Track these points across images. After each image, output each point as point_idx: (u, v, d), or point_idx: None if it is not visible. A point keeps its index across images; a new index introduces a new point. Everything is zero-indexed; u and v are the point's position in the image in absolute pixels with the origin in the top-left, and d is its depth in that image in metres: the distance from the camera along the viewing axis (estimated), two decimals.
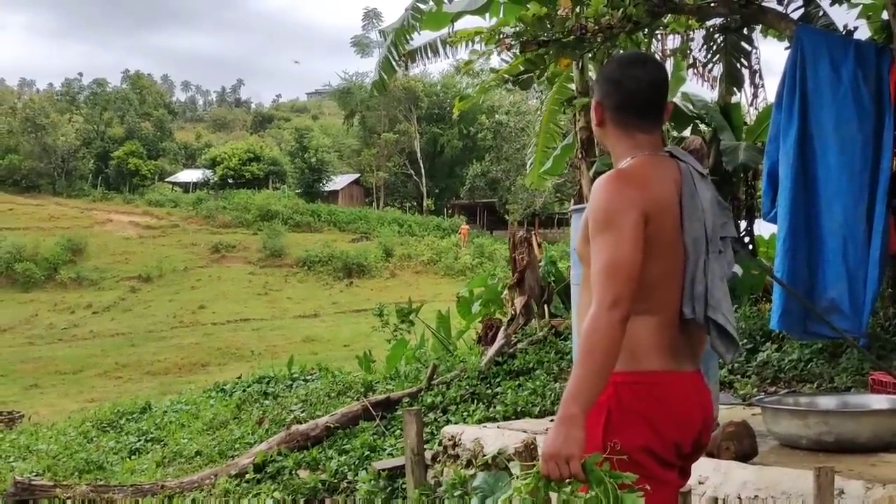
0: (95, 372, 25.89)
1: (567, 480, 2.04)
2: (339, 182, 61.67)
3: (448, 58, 11.67)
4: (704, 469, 3.57)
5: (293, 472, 6.20)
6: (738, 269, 7.22)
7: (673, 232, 2.29)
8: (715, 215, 2.37)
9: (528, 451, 3.67)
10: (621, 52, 7.42)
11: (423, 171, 59.11)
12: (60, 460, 7.98)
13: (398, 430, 6.53)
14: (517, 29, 6.54)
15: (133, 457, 8.11)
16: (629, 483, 2.02)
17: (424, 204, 58.35)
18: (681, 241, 2.30)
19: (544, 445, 2.07)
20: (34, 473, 7.19)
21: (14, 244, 42.06)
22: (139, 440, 8.62)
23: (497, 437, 4.84)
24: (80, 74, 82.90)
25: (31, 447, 8.86)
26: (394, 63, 9.80)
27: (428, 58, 10.67)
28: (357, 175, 63.50)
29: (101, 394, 21.81)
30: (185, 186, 62.76)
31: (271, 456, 6.46)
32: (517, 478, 2.16)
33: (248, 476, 6.30)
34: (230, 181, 58.73)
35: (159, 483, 6.50)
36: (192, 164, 69.27)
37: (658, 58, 9.17)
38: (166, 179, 65.60)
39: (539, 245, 8.89)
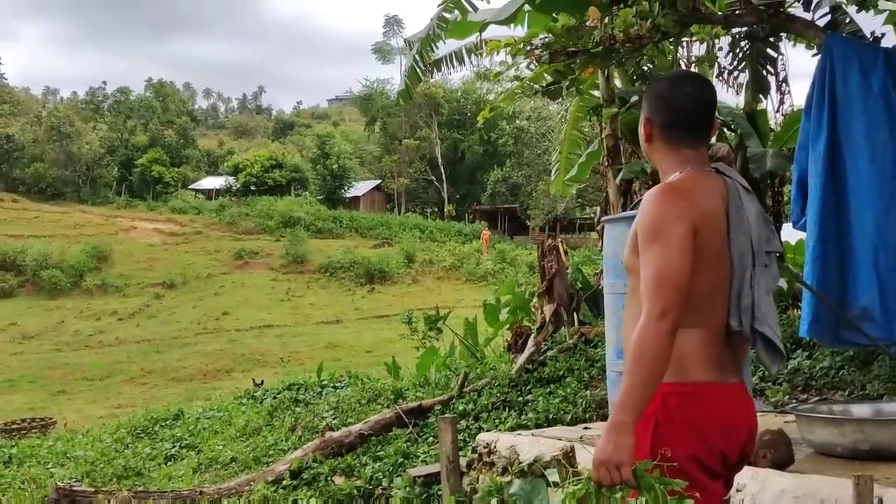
0: (122, 378, 26.13)
1: (618, 486, 2.11)
2: (360, 188, 61.95)
3: (473, 66, 11.76)
4: (742, 477, 3.61)
5: (329, 478, 6.29)
6: (782, 284, 7.24)
7: (720, 245, 2.35)
8: (760, 230, 2.43)
9: (567, 459, 3.74)
10: (650, 63, 7.48)
11: (444, 176, 59.28)
12: (98, 466, 8.11)
13: (431, 437, 6.61)
14: (546, 40, 6.60)
15: (169, 463, 8.23)
16: (679, 490, 2.08)
17: (445, 209, 58.50)
18: (727, 255, 2.36)
19: (595, 452, 2.13)
20: (74, 479, 7.32)
21: (40, 252, 42.52)
22: (174, 447, 8.74)
23: (532, 445, 4.90)
24: (104, 83, 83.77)
25: (68, 453, 9.00)
26: (419, 72, 9.89)
27: (453, 66, 10.75)
28: (378, 181, 63.76)
29: (128, 400, 22.03)
30: (208, 193, 63.27)
31: (307, 463, 6.55)
32: (568, 483, 2.22)
33: (284, 482, 6.39)
34: (253, 188, 59.18)
35: (197, 489, 6.60)
36: (214, 171, 69.82)
37: (683, 65, 9.23)
38: (189, 186, 66.13)
39: (566, 252, 8.94)
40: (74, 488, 6.59)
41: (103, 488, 6.80)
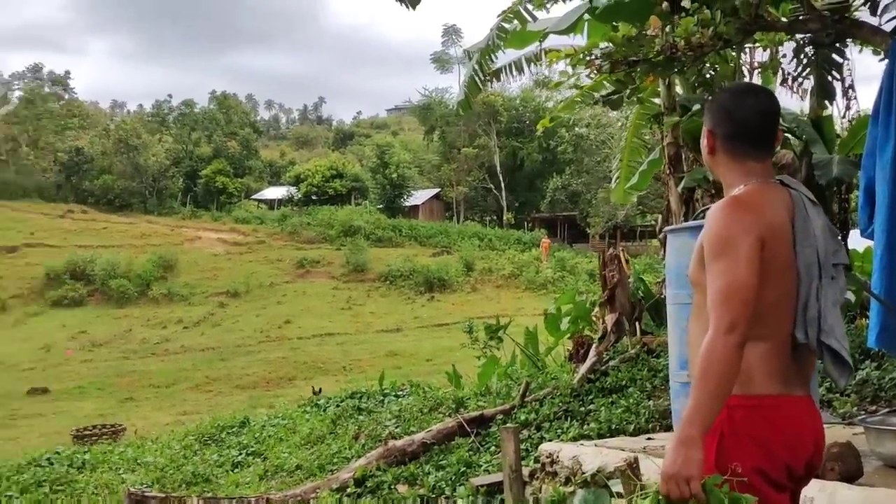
0: (187, 385, 26.65)
1: (687, 500, 2.12)
2: (419, 197, 62.28)
3: (532, 74, 11.80)
4: (810, 490, 3.57)
5: (392, 486, 6.36)
6: (850, 296, 7.11)
7: (786, 257, 2.35)
8: (827, 242, 2.42)
9: (630, 470, 3.73)
10: (712, 70, 7.41)
11: (502, 184, 59.30)
12: (168, 472, 8.31)
13: (493, 447, 6.64)
14: (606, 49, 6.60)
15: (236, 470, 8.38)
16: None
17: (504, 218, 58.49)
18: (794, 267, 2.35)
19: (664, 466, 2.15)
20: (145, 485, 7.52)
21: (109, 261, 43.70)
22: (241, 454, 8.89)
23: (595, 455, 4.90)
24: (170, 96, 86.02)
25: (138, 459, 9.23)
26: (478, 82, 9.96)
27: (512, 76, 10.79)
28: (437, 190, 64.05)
29: (193, 406, 22.45)
30: (271, 203, 64.26)
31: (370, 471, 6.64)
32: (636, 497, 2.24)
33: (348, 490, 6.48)
34: (314, 198, 59.94)
35: (265, 496, 6.73)
36: (276, 181, 70.88)
37: (746, 71, 9.12)
38: (252, 197, 67.25)
39: (627, 261, 8.90)
40: (146, 494, 6.77)
41: (173, 494, 6.98)
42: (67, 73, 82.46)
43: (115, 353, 33.93)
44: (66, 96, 77.34)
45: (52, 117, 68.64)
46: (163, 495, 6.80)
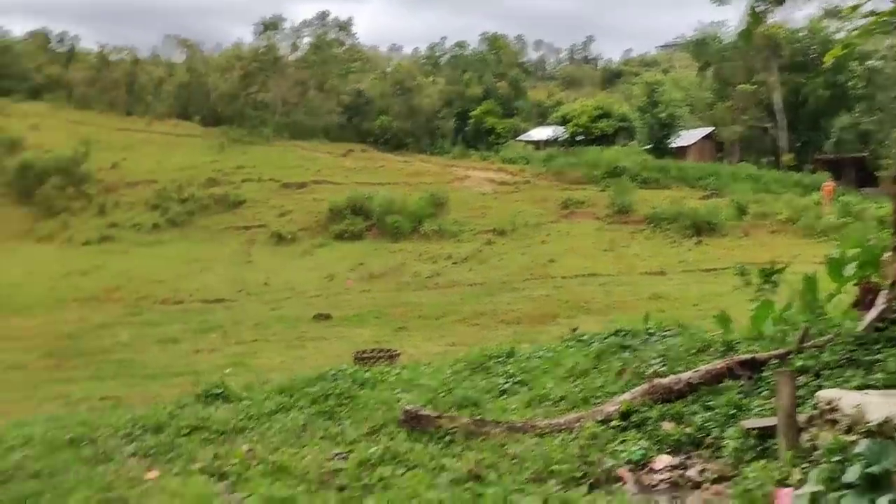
0: (455, 318, 27.71)
1: None
2: (689, 137, 60.13)
3: (821, 2, 10.91)
4: None
5: (657, 423, 6.32)
6: None
7: None
8: None
9: None
10: None
11: (782, 123, 55.72)
12: (439, 395, 8.76)
13: (765, 391, 6.39)
14: None
15: (503, 396, 8.68)
16: None
17: (783, 159, 55.05)
18: None
19: None
20: (419, 404, 8.00)
21: (385, 198, 46.33)
22: (507, 382, 9.19)
23: (882, 405, 4.57)
24: (443, 38, 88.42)
25: (413, 381, 9.81)
26: (761, 12, 9.40)
27: (798, 4, 10.05)
28: (709, 129, 61.43)
29: (461, 339, 23.32)
30: (537, 143, 64.82)
31: (635, 406, 6.63)
32: None
33: (612, 423, 6.53)
34: (579, 138, 59.67)
35: (530, 423, 6.95)
36: (543, 121, 71.29)
37: None
38: (519, 137, 68.16)
39: None
40: (420, 412, 7.24)
41: (446, 414, 7.38)
42: (350, 19, 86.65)
43: (390, 284, 35.99)
44: (349, 42, 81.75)
45: (336, 62, 73.05)
46: (435, 414, 7.22)
